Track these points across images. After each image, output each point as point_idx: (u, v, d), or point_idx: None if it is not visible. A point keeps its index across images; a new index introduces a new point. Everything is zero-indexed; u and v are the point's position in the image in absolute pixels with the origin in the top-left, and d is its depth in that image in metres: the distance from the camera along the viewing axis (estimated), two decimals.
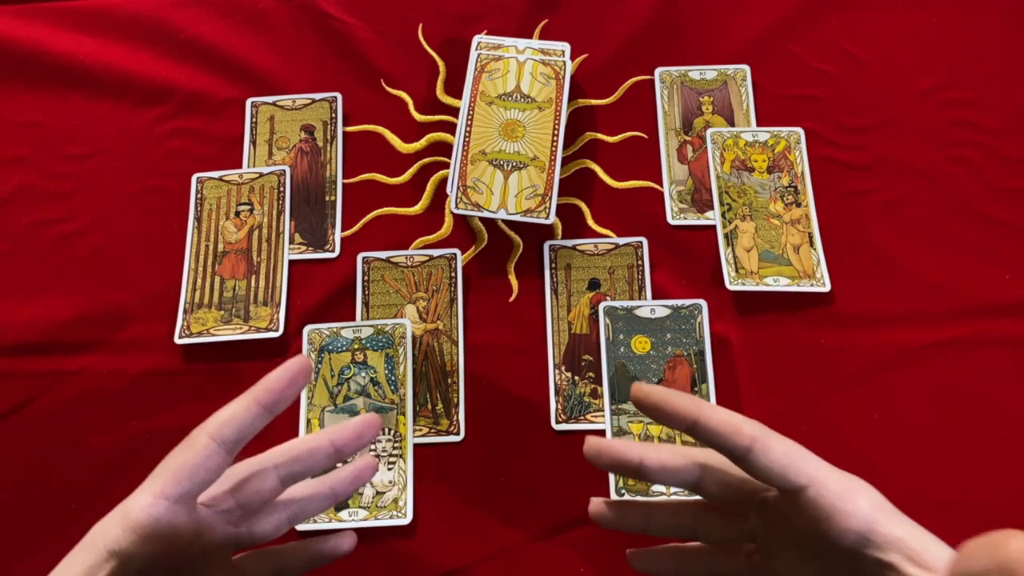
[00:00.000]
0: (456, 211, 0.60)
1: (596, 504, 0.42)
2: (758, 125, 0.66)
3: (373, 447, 0.56)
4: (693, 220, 0.63)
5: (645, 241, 0.62)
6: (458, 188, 0.61)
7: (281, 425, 0.57)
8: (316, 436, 0.41)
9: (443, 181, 0.65)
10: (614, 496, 0.54)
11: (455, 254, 0.62)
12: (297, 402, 0.58)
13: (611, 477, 0.55)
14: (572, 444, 0.57)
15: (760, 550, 0.40)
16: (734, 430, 0.35)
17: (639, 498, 0.41)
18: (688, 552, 0.43)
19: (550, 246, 0.62)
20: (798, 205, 0.63)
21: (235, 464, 0.40)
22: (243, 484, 0.40)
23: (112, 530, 0.36)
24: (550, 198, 0.60)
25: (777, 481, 0.35)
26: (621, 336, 0.59)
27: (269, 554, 0.44)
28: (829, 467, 0.36)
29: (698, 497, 0.41)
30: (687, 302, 0.60)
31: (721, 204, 0.63)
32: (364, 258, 0.62)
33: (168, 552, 0.36)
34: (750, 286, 0.60)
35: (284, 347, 0.60)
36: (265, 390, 0.38)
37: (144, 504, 0.36)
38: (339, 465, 0.55)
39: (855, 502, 0.34)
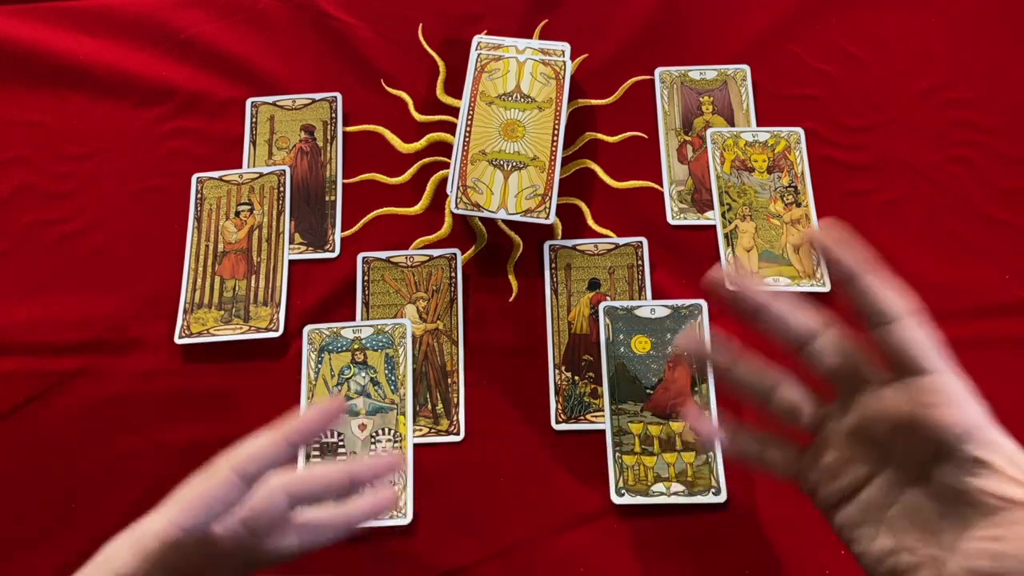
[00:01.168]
0: (456, 211, 0.60)
1: (684, 340, 0.42)
2: (758, 125, 0.66)
3: (373, 447, 0.56)
4: (693, 220, 0.63)
5: (645, 241, 0.62)
6: (458, 188, 0.61)
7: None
8: (336, 470, 0.40)
9: (443, 181, 0.65)
10: (614, 495, 0.54)
11: (455, 254, 0.62)
12: (297, 402, 0.58)
13: (611, 477, 0.55)
14: (572, 444, 0.57)
15: (818, 443, 0.39)
16: (891, 299, 0.36)
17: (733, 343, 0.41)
18: (749, 431, 0.42)
19: (550, 246, 0.62)
20: (798, 205, 0.63)
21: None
22: (253, 507, 0.39)
23: (123, 554, 0.36)
24: (550, 198, 0.60)
25: (909, 358, 0.35)
26: (621, 336, 0.59)
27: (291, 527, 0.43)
28: (956, 369, 0.36)
29: (777, 369, 0.40)
30: (687, 302, 0.60)
31: (721, 204, 0.63)
32: (364, 258, 0.62)
33: None
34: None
35: (284, 347, 0.60)
36: (297, 431, 0.38)
37: (157, 531, 0.36)
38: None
39: (971, 404, 0.34)
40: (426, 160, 0.66)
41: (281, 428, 0.38)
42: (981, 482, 0.33)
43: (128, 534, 0.37)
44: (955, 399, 0.34)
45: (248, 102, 0.68)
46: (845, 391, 0.38)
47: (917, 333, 0.35)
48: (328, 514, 0.43)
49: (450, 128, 0.67)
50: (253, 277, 0.62)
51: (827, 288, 0.59)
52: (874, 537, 0.36)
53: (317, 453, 0.56)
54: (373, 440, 0.57)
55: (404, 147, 0.67)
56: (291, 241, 0.63)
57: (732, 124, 0.66)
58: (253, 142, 0.67)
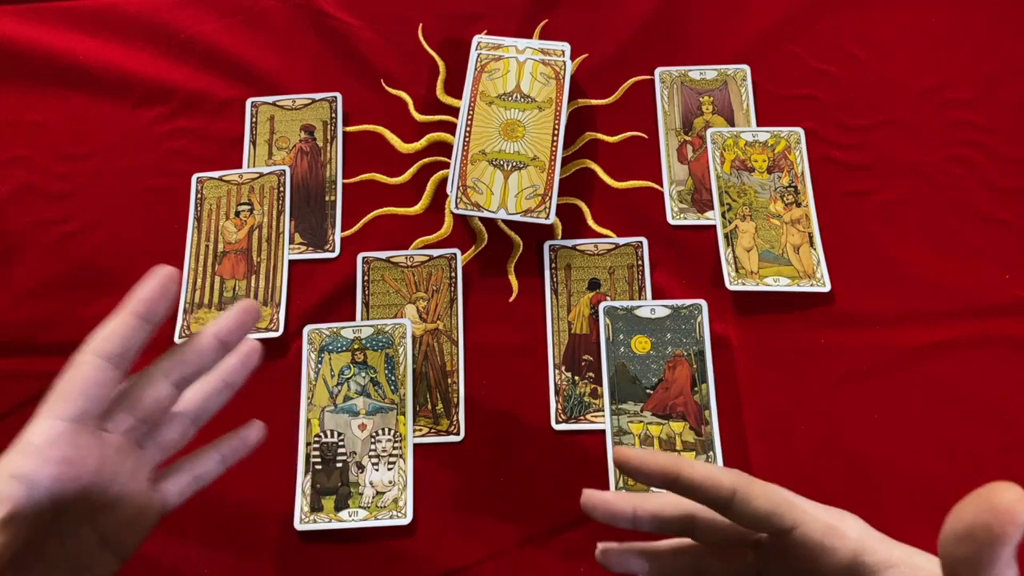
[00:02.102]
0: (456, 211, 0.60)
1: (601, 548, 0.42)
2: (758, 125, 0.66)
3: (373, 447, 0.56)
4: (693, 220, 0.63)
5: (645, 241, 0.62)
6: (458, 188, 0.61)
7: (281, 425, 0.57)
8: (199, 334, 0.40)
9: (443, 181, 0.65)
10: (613, 491, 0.54)
11: (455, 254, 0.62)
12: (297, 402, 0.58)
13: (611, 478, 0.55)
14: (572, 444, 0.57)
15: None
16: (714, 482, 0.35)
17: (638, 544, 0.41)
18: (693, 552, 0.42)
19: (550, 246, 0.62)
20: (798, 205, 0.63)
21: (124, 382, 0.40)
22: (137, 398, 0.39)
23: (13, 458, 0.35)
24: (550, 198, 0.60)
25: (763, 526, 0.35)
26: (621, 336, 0.59)
27: (182, 465, 0.43)
28: (813, 505, 0.36)
29: (692, 545, 0.41)
30: (687, 302, 0.60)
31: (721, 204, 0.63)
32: (364, 258, 0.62)
33: (77, 475, 0.35)
34: (750, 286, 0.59)
35: (284, 347, 0.60)
36: (139, 300, 0.38)
37: (41, 428, 0.35)
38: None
39: (842, 535, 0.35)
40: (426, 160, 0.66)
41: (125, 304, 0.38)
42: None
43: (16, 443, 0.36)
44: (825, 544, 0.35)
45: (248, 102, 0.68)
46: (749, 552, 0.39)
47: (757, 500, 0.35)
48: (205, 383, 0.43)
49: (450, 128, 0.67)
50: (253, 277, 0.62)
51: (827, 288, 0.59)
52: None
53: (317, 455, 0.56)
54: (373, 440, 0.57)
55: (404, 147, 0.67)
56: (291, 241, 0.63)
57: (732, 124, 0.66)
58: (253, 142, 0.67)
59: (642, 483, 0.37)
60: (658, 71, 0.68)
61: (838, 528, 0.35)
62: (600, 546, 0.41)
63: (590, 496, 0.39)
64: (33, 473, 0.34)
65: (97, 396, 0.36)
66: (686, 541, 0.41)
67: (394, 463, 0.56)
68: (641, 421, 0.56)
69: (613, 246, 0.62)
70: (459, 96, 0.66)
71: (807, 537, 0.35)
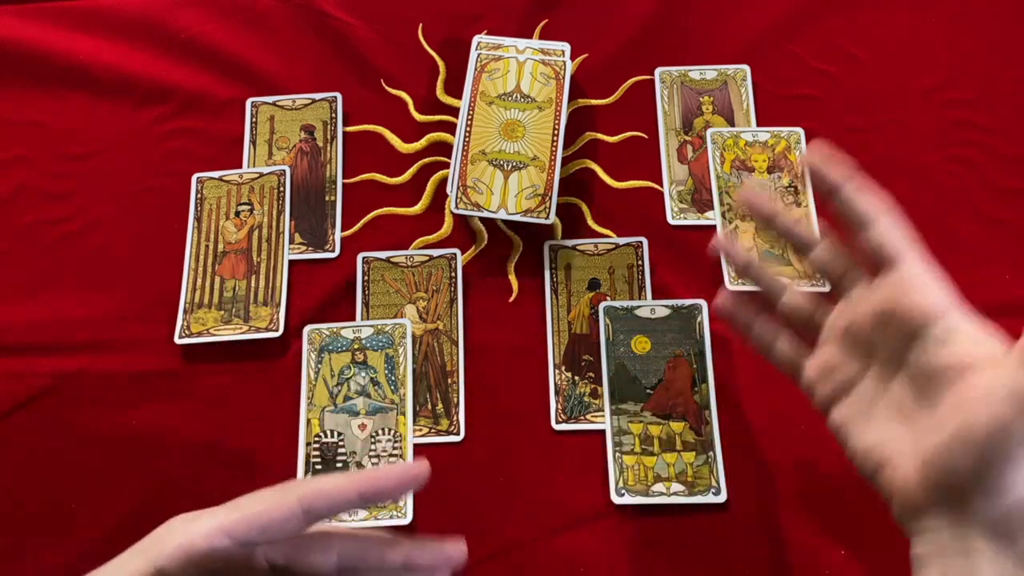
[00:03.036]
0: (456, 211, 0.60)
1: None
2: (758, 125, 0.66)
3: (373, 447, 0.56)
4: (693, 220, 0.63)
5: (645, 241, 0.62)
6: (458, 188, 0.61)
7: (281, 424, 0.57)
8: (348, 484, 0.37)
9: (443, 181, 0.65)
10: (614, 495, 0.54)
11: (455, 254, 0.62)
12: (297, 402, 0.58)
13: (611, 477, 0.55)
14: (572, 444, 0.57)
15: (820, 343, 0.43)
16: (869, 200, 0.40)
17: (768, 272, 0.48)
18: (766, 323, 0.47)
19: (550, 246, 0.62)
20: (798, 205, 0.63)
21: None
22: (304, 554, 0.37)
23: (168, 546, 0.35)
24: (550, 198, 0.60)
25: (884, 252, 0.39)
26: (621, 336, 0.59)
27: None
28: (929, 260, 0.39)
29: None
30: (687, 302, 0.60)
31: (721, 204, 0.63)
32: (364, 258, 0.62)
33: None
34: (750, 286, 0.59)
35: (284, 347, 0.60)
36: (374, 487, 0.36)
37: (208, 533, 0.35)
38: (368, 463, 0.55)
39: (938, 289, 0.38)
40: (426, 160, 0.66)
41: (358, 478, 0.36)
42: (944, 358, 0.35)
43: (182, 523, 0.36)
44: (920, 285, 0.38)
45: (248, 102, 0.68)
46: (840, 293, 0.42)
47: (889, 229, 0.39)
48: (379, 535, 0.40)
49: (450, 128, 0.67)
50: (253, 277, 0.62)
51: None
52: (862, 433, 0.38)
53: (317, 455, 0.56)
54: (373, 440, 0.57)
55: (404, 147, 0.67)
56: (291, 241, 0.63)
57: (732, 124, 0.66)
58: (253, 142, 0.67)
59: (816, 181, 0.42)
60: (658, 71, 0.68)
61: (940, 284, 0.38)
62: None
63: (746, 194, 0.45)
64: (176, 573, 0.34)
65: (275, 536, 0.36)
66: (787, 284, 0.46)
67: (394, 463, 0.56)
68: (641, 421, 0.56)
69: (613, 246, 0.62)
70: (459, 96, 0.66)
71: (916, 275, 0.38)
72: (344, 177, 0.66)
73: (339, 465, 0.56)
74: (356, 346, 0.59)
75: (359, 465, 0.56)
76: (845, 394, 0.40)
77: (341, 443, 0.56)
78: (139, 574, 0.35)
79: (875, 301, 0.39)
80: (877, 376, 0.39)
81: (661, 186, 0.64)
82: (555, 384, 0.58)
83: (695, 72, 0.68)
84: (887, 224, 0.40)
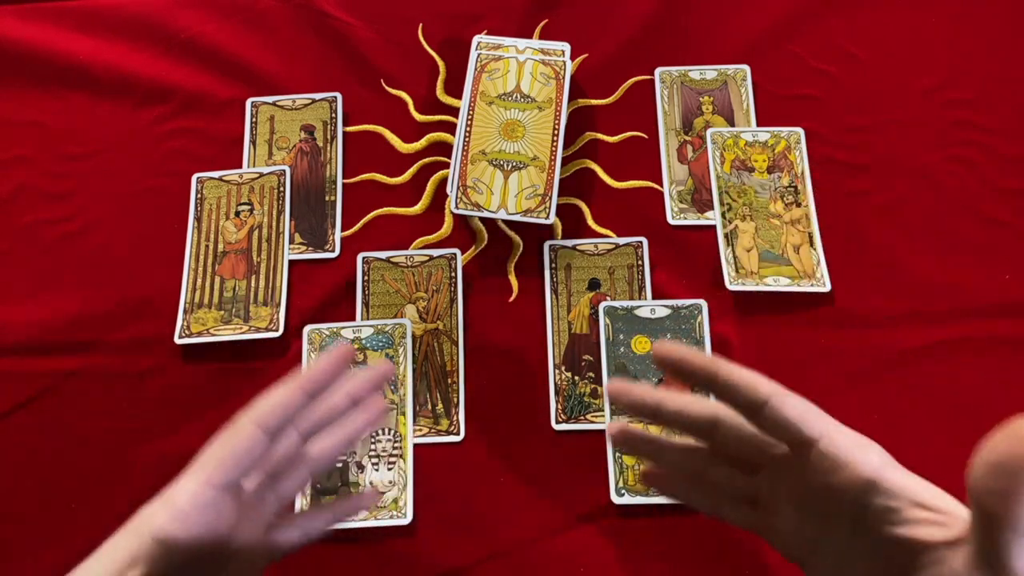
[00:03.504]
0: (456, 211, 0.60)
1: (615, 427, 0.42)
2: (758, 125, 0.66)
3: (373, 447, 0.56)
4: (693, 220, 0.63)
5: (645, 241, 0.62)
6: (458, 188, 0.61)
7: None
8: (334, 393, 0.41)
9: (443, 181, 0.65)
10: (614, 495, 0.54)
11: (455, 254, 0.62)
12: None
13: (611, 477, 0.55)
14: (572, 444, 0.57)
15: (763, 508, 0.40)
16: (751, 385, 0.36)
17: (650, 434, 0.42)
18: (699, 478, 0.42)
19: (550, 246, 0.62)
20: (798, 205, 0.63)
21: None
22: (271, 455, 0.40)
23: (158, 517, 0.36)
24: (550, 198, 0.60)
25: (790, 434, 0.36)
26: (621, 336, 0.59)
27: (295, 521, 0.44)
28: (839, 424, 0.36)
29: (701, 448, 0.41)
30: (687, 302, 0.60)
31: (721, 204, 0.63)
32: (364, 258, 0.62)
33: (212, 538, 0.36)
34: (750, 286, 0.59)
35: (284, 347, 0.60)
36: (310, 379, 0.38)
37: (191, 491, 0.36)
38: (367, 462, 0.55)
39: (865, 454, 0.35)
40: (426, 160, 0.66)
41: (296, 379, 0.38)
42: (897, 530, 0.33)
43: (161, 498, 0.37)
44: (847, 459, 0.35)
45: (248, 102, 0.68)
46: (760, 469, 0.39)
47: (789, 408, 0.36)
48: (329, 436, 0.43)
49: (450, 128, 0.67)
50: (253, 277, 0.62)
51: (827, 288, 0.59)
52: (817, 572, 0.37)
53: None
54: (373, 440, 0.57)
55: (404, 147, 0.67)
56: (291, 241, 0.63)
57: (732, 124, 0.66)
58: (253, 142, 0.67)
59: (680, 378, 0.38)
60: (658, 71, 0.68)
61: (861, 448, 0.35)
62: (613, 426, 0.42)
63: (615, 385, 0.39)
64: (175, 535, 0.35)
65: (248, 465, 0.37)
66: (699, 446, 0.41)
67: (394, 463, 0.56)
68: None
69: (613, 246, 0.62)
70: (459, 96, 0.66)
71: (831, 450, 0.35)
72: (344, 177, 0.66)
73: (339, 465, 0.56)
74: (356, 346, 0.59)
75: (359, 465, 0.56)
76: (814, 552, 0.38)
77: None
78: (134, 551, 0.35)
79: (804, 482, 0.36)
80: (838, 539, 0.36)
81: (661, 186, 0.64)
82: (555, 384, 0.58)
83: (695, 72, 0.68)
84: (781, 402, 0.36)
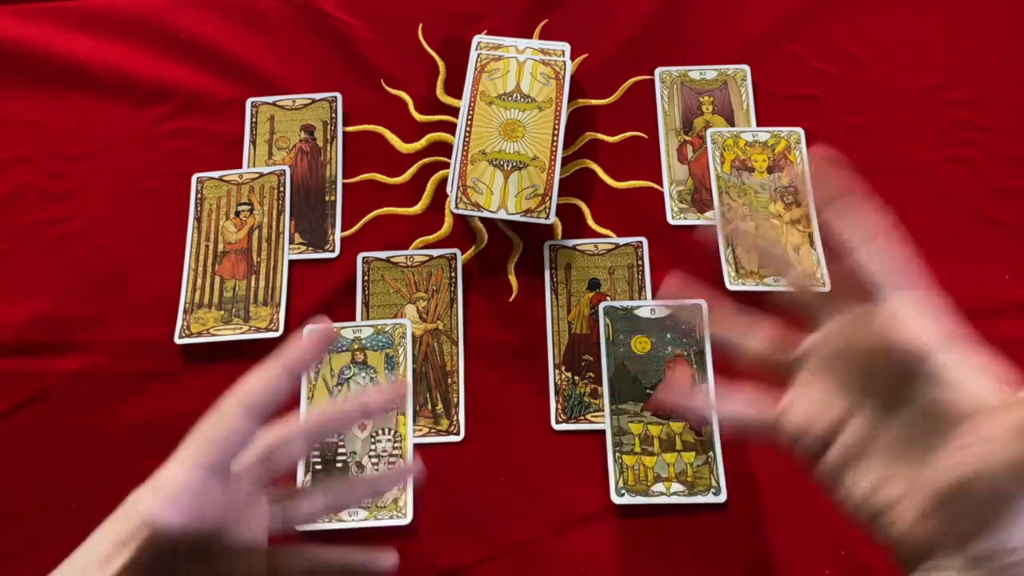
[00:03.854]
0: (456, 211, 0.60)
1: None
2: (758, 125, 0.66)
3: (373, 447, 0.56)
4: (693, 220, 0.63)
5: (645, 241, 0.62)
6: (458, 188, 0.61)
7: None
8: (346, 402, 0.41)
9: (443, 181, 0.65)
10: (614, 495, 0.54)
11: (455, 254, 0.62)
12: (297, 402, 0.58)
13: (611, 477, 0.55)
14: (572, 444, 0.57)
15: (796, 383, 0.40)
16: (862, 220, 0.38)
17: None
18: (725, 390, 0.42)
19: (550, 246, 0.62)
20: (798, 205, 0.63)
21: (263, 433, 0.40)
22: (272, 451, 0.40)
23: (146, 501, 0.36)
24: (550, 198, 0.60)
25: (872, 282, 0.36)
26: (621, 336, 0.59)
27: (304, 552, 0.44)
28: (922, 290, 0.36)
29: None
30: (687, 302, 0.60)
31: (721, 204, 0.63)
32: (364, 258, 0.62)
33: (200, 523, 0.36)
34: (750, 286, 0.59)
35: None
36: (293, 356, 0.38)
37: (178, 476, 0.36)
38: (367, 462, 0.56)
39: (932, 321, 0.35)
40: (426, 160, 0.66)
41: (278, 358, 0.38)
42: (943, 396, 0.33)
43: (150, 483, 0.37)
44: (913, 318, 0.35)
45: (248, 102, 0.68)
46: (816, 325, 0.39)
47: (879, 257, 0.36)
48: (354, 480, 0.44)
49: (450, 128, 0.67)
50: (253, 277, 0.62)
51: (827, 288, 0.59)
52: (856, 479, 0.36)
53: (317, 456, 0.56)
54: (373, 440, 0.57)
55: (404, 147, 0.67)
56: (291, 241, 0.63)
57: (732, 124, 0.66)
58: (253, 142, 0.67)
59: (817, 188, 0.39)
60: (658, 71, 0.68)
61: (933, 315, 0.35)
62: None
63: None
64: (163, 519, 0.35)
65: (236, 447, 0.37)
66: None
67: (394, 463, 0.56)
68: (641, 421, 0.56)
69: (613, 246, 0.62)
70: (459, 96, 0.66)
71: (906, 307, 0.35)
72: (344, 177, 0.66)
73: (339, 465, 0.56)
74: (356, 346, 0.59)
75: (359, 465, 0.56)
76: (833, 438, 0.37)
77: (341, 443, 0.56)
78: (124, 535, 0.35)
79: (861, 337, 0.36)
80: (866, 418, 0.36)
81: (661, 186, 0.64)
82: (555, 384, 0.58)
83: (695, 72, 0.68)
84: (876, 250, 0.37)
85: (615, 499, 0.54)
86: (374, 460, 0.56)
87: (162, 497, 0.36)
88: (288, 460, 0.41)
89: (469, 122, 0.63)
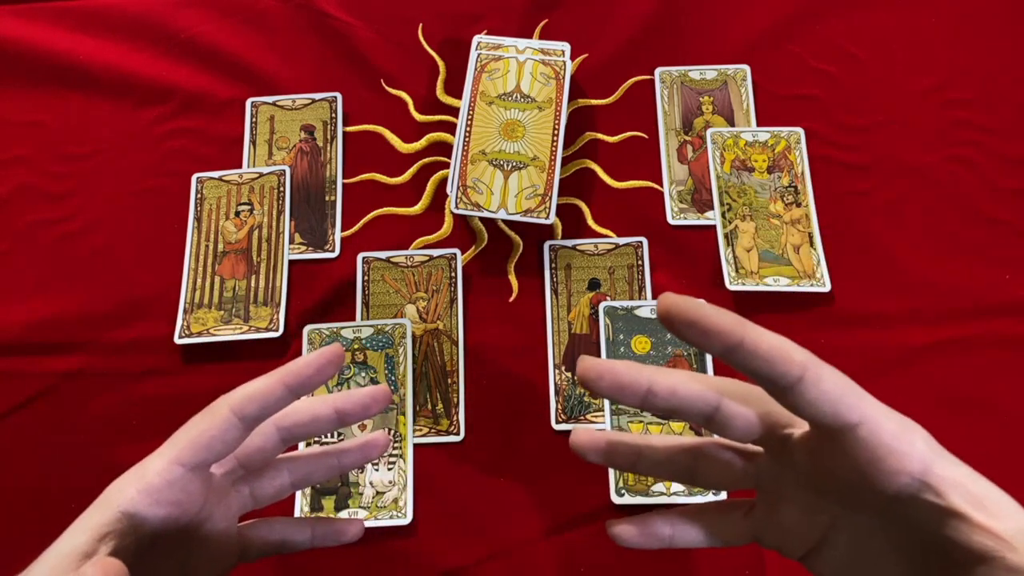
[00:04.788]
0: (456, 211, 0.60)
1: (581, 437, 0.36)
2: (758, 125, 0.66)
3: None
4: (693, 220, 0.63)
5: (645, 241, 0.62)
6: (458, 188, 0.61)
7: None
8: (321, 401, 0.40)
9: (443, 181, 0.65)
10: (614, 495, 0.54)
11: (455, 254, 0.62)
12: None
13: (611, 477, 0.55)
14: None
15: (763, 499, 0.36)
16: (784, 356, 0.29)
17: (631, 434, 0.37)
18: (681, 514, 0.39)
19: (550, 246, 0.62)
20: (798, 205, 0.63)
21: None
22: (245, 442, 0.40)
23: (127, 491, 0.36)
24: (550, 198, 0.60)
25: (825, 417, 0.30)
26: (621, 336, 0.59)
27: (274, 523, 0.44)
28: (879, 404, 0.31)
29: (691, 441, 0.37)
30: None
31: (721, 204, 0.63)
32: (364, 258, 0.62)
33: (179, 516, 0.36)
34: (750, 286, 0.59)
35: (284, 347, 0.60)
36: (294, 373, 0.37)
37: (160, 468, 0.36)
38: (351, 433, 0.55)
39: (911, 442, 0.30)
40: (426, 160, 0.66)
41: (280, 372, 0.37)
42: (951, 534, 0.29)
43: (131, 473, 0.37)
44: (892, 448, 0.30)
45: (248, 102, 0.68)
46: (764, 455, 0.35)
47: (827, 384, 0.30)
48: (320, 451, 0.43)
49: (450, 128, 0.67)
50: (253, 277, 0.62)
51: (827, 288, 0.59)
52: (833, 556, 0.34)
53: None
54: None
55: (404, 147, 0.67)
56: (291, 241, 0.63)
57: (732, 124, 0.66)
58: (253, 142, 0.67)
59: (693, 343, 0.30)
60: (658, 71, 0.68)
61: (908, 435, 0.30)
62: (577, 435, 0.35)
63: (592, 365, 0.31)
64: (143, 512, 0.35)
65: (220, 451, 0.37)
66: (684, 440, 0.37)
67: (394, 463, 0.56)
68: (641, 421, 0.56)
69: (613, 246, 0.62)
70: (459, 96, 0.66)
71: (871, 437, 0.29)
72: (344, 177, 0.66)
73: (351, 434, 0.56)
74: (356, 346, 0.59)
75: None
76: (820, 547, 0.34)
77: (341, 440, 0.56)
78: (104, 525, 0.35)
79: (837, 466, 0.31)
80: (855, 529, 0.33)
81: (661, 186, 0.64)
82: (555, 384, 0.58)
83: (695, 72, 0.68)
84: (818, 377, 0.29)
85: (615, 499, 0.54)
86: (374, 460, 0.56)
87: (143, 488, 0.36)
88: (261, 453, 0.40)
89: (469, 122, 0.63)
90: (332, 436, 0.57)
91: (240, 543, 0.42)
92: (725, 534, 0.38)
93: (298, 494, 0.55)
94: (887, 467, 0.30)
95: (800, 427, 0.33)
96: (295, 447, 0.53)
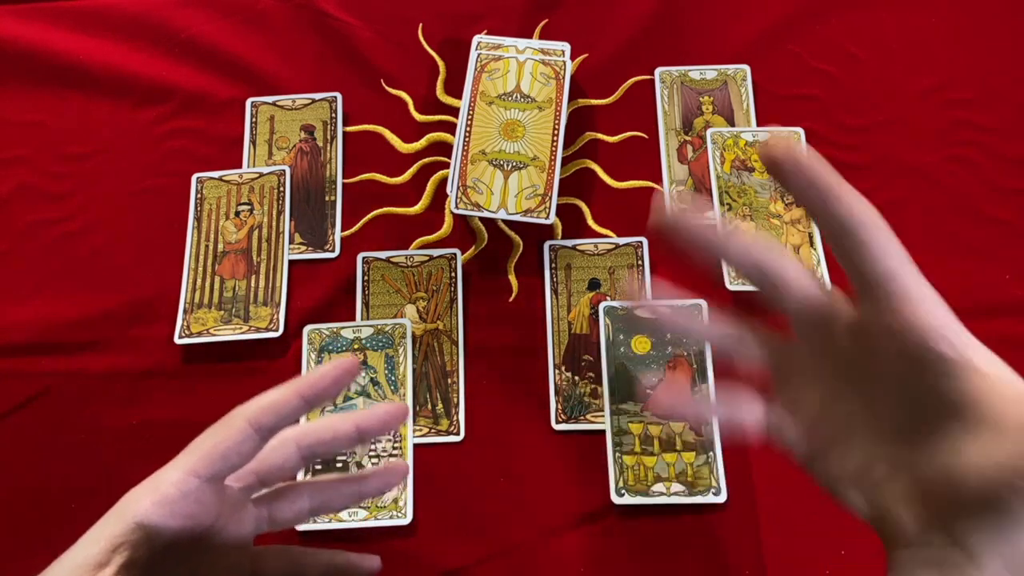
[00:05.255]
0: (456, 211, 0.60)
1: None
2: (758, 125, 0.66)
3: (373, 447, 0.56)
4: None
5: (645, 241, 0.62)
6: (458, 188, 0.61)
7: None
8: (341, 419, 0.40)
9: (443, 181, 0.65)
10: (614, 495, 0.54)
11: (455, 254, 0.62)
12: None
13: (611, 477, 0.55)
14: (572, 444, 0.57)
15: (785, 388, 0.38)
16: (848, 203, 0.32)
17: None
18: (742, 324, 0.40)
19: (550, 246, 0.62)
20: (798, 205, 0.63)
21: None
22: (264, 458, 0.40)
23: (142, 502, 0.36)
24: (550, 198, 0.60)
25: (868, 265, 0.32)
26: (621, 336, 0.59)
27: (289, 552, 0.44)
28: (920, 276, 0.33)
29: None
30: (687, 302, 0.60)
31: (721, 204, 0.63)
32: (364, 258, 0.62)
33: (193, 528, 0.36)
34: (750, 286, 0.59)
35: (284, 347, 0.60)
36: (309, 384, 0.38)
37: (175, 480, 0.36)
38: (368, 462, 0.56)
39: (941, 305, 0.33)
40: (426, 160, 0.66)
41: (295, 383, 0.38)
42: (965, 386, 0.31)
43: (147, 483, 0.37)
44: (921, 299, 0.32)
45: (248, 102, 0.68)
46: (813, 337, 0.37)
47: (874, 238, 0.32)
48: (340, 478, 0.43)
49: (450, 128, 0.67)
50: (253, 277, 0.62)
51: (829, 288, 0.59)
52: (844, 458, 0.34)
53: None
54: (373, 440, 0.57)
55: (404, 147, 0.67)
56: (291, 241, 0.63)
57: (732, 124, 0.66)
58: (253, 142, 0.67)
59: (783, 184, 0.32)
60: (658, 71, 0.68)
61: (934, 301, 0.32)
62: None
63: (667, 214, 0.33)
64: (158, 523, 0.35)
65: (235, 463, 0.37)
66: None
67: (395, 461, 0.56)
68: (641, 421, 0.56)
69: (613, 246, 0.62)
70: (459, 96, 0.66)
71: (901, 290, 0.32)
72: (344, 177, 0.66)
73: (339, 465, 0.56)
74: (356, 346, 0.59)
75: (359, 465, 0.56)
76: (821, 421, 0.36)
77: None
78: (117, 535, 0.35)
79: (865, 324, 0.34)
80: (860, 401, 0.35)
81: (661, 186, 0.64)
82: (555, 384, 0.58)
83: (695, 72, 0.68)
84: (868, 233, 0.32)
85: (615, 499, 0.54)
86: (374, 460, 0.56)
87: (158, 499, 0.36)
88: (280, 469, 0.40)
89: (469, 122, 0.63)
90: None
91: (253, 563, 0.41)
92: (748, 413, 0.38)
93: (294, 526, 0.55)
94: (913, 318, 0.32)
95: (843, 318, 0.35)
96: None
